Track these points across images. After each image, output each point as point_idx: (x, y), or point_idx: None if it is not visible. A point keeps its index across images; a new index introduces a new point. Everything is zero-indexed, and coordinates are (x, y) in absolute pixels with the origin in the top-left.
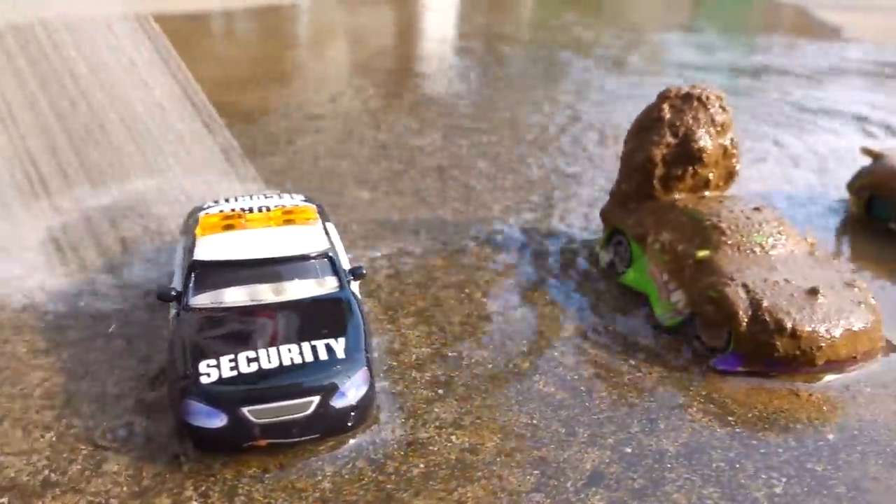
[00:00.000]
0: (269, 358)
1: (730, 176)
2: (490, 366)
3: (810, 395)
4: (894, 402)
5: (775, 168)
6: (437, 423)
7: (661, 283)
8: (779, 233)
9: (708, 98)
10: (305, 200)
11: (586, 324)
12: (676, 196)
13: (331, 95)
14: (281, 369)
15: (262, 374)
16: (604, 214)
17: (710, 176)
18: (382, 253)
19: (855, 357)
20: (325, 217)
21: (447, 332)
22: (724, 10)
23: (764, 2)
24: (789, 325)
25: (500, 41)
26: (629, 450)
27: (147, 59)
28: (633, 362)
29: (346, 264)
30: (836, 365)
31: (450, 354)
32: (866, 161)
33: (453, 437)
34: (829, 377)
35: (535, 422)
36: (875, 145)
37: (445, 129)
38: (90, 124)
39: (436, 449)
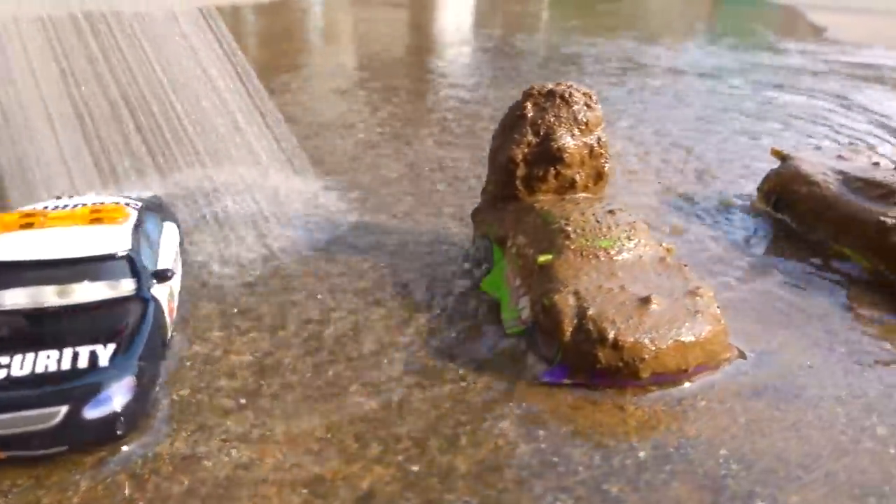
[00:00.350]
0: (23, 365)
1: (599, 176)
2: (308, 375)
3: (637, 409)
4: (726, 418)
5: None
6: (224, 437)
7: (513, 289)
8: (628, 238)
9: (571, 95)
10: (150, 199)
11: (430, 331)
12: (541, 197)
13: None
14: (31, 377)
15: (9, 382)
16: (473, 215)
17: (577, 177)
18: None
19: (686, 370)
20: (165, 216)
21: (278, 338)
22: (733, 14)
23: (762, 4)
24: (611, 335)
25: (517, 42)
26: (416, 468)
27: (211, 51)
28: (462, 372)
29: (168, 265)
30: (664, 378)
31: (268, 363)
32: (776, 163)
33: (234, 452)
34: (669, 390)
35: (329, 435)
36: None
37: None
38: (158, 112)
39: (210, 465)
